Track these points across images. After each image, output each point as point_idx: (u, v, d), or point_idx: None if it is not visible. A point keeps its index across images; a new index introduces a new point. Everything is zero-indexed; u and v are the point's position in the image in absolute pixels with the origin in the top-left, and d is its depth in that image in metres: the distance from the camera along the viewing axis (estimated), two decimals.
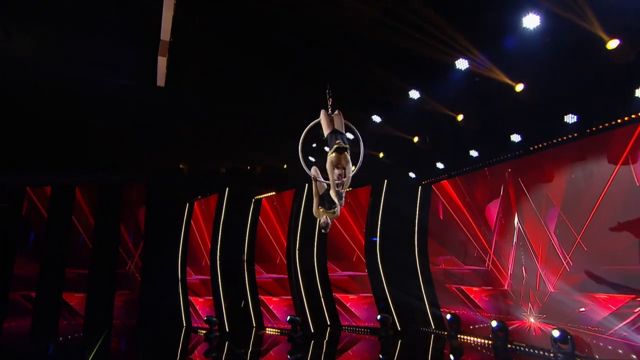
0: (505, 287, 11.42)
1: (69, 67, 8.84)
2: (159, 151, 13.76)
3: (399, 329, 12.76)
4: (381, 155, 12.54)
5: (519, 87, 8.95)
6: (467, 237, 12.50)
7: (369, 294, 13.83)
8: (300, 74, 9.22)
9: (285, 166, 14.14)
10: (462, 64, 8.89)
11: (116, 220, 15.32)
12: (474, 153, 11.80)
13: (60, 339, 14.50)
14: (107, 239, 15.10)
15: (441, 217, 13.32)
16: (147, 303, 14.46)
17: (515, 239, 11.15)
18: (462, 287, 12.52)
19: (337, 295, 14.44)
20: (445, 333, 12.42)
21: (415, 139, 11.50)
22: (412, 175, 13.49)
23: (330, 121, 5.83)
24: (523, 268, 10.91)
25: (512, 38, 8.17)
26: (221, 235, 14.52)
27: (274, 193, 14.81)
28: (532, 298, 10.72)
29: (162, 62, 9.66)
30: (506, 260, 11.49)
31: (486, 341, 11.44)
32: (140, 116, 11.38)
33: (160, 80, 10.38)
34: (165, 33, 8.43)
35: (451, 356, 11.84)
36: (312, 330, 13.39)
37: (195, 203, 15.68)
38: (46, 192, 15.34)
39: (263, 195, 15.07)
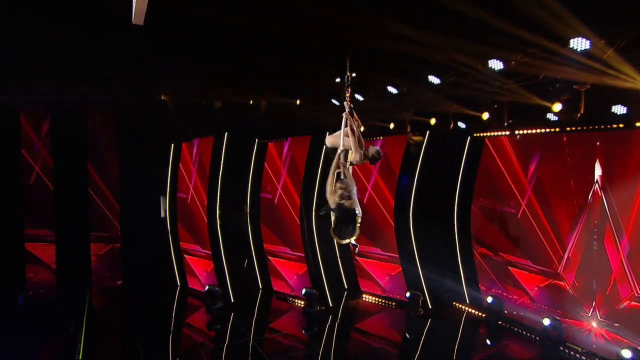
0: (560, 272, 9.79)
1: None
2: (133, 73, 10.14)
3: (430, 307, 11.27)
4: (432, 121, 9.71)
5: None
6: (521, 206, 10.46)
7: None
8: None
9: (298, 102, 10.97)
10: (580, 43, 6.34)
11: (82, 156, 12.16)
12: (551, 116, 9.16)
13: (31, 292, 12.53)
14: (72, 178, 12.10)
15: (494, 176, 10.99)
16: (131, 261, 12.22)
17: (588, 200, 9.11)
18: (509, 267, 10.86)
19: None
20: (484, 315, 11.01)
21: (485, 116, 8.80)
22: (461, 125, 10.69)
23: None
24: (593, 254, 9.14)
25: None
26: (220, 186, 11.81)
27: (284, 139, 11.87)
28: (599, 298, 9.16)
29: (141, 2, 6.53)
30: (568, 243, 9.70)
31: (532, 335, 10.11)
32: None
33: (139, 19, 7.17)
34: None
35: (487, 342, 10.72)
36: (331, 304, 11.75)
37: (184, 144, 12.56)
38: None
39: (270, 140, 12.14)
